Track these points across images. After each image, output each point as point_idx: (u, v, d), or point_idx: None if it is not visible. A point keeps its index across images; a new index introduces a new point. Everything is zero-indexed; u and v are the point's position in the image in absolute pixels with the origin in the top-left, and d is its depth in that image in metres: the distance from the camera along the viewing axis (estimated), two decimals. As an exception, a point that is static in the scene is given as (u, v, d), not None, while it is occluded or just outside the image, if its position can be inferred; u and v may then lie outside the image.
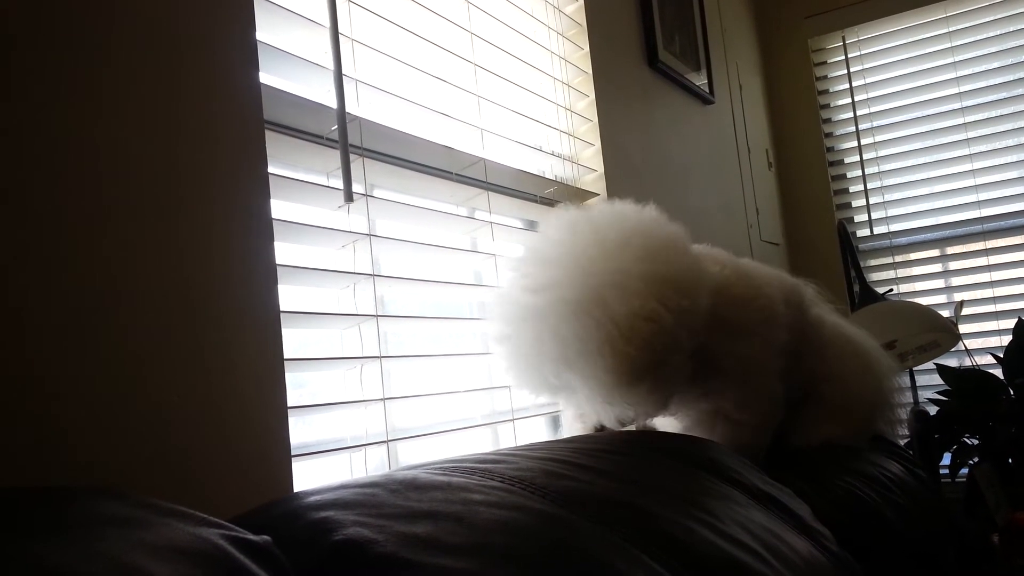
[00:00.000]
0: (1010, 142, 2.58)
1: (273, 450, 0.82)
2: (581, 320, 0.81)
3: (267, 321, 0.84)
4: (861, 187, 2.77)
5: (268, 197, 0.87)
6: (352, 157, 1.03)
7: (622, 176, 1.71)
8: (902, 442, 1.36)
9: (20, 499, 0.36)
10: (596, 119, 1.66)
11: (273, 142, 0.91)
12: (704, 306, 0.87)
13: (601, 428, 0.94)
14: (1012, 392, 2.06)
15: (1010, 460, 2.04)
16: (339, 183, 1.01)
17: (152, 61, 0.77)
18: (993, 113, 2.62)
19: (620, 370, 0.79)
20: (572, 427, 1.01)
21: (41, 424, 0.63)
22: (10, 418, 0.61)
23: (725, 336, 0.95)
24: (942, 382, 2.16)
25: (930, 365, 2.20)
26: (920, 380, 2.50)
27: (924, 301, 2.59)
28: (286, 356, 0.86)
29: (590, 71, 1.66)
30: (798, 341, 1.10)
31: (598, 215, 0.92)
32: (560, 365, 0.84)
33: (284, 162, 1.00)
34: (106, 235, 0.70)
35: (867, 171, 2.76)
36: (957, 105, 2.64)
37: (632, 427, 1.04)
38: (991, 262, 2.59)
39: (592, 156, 1.66)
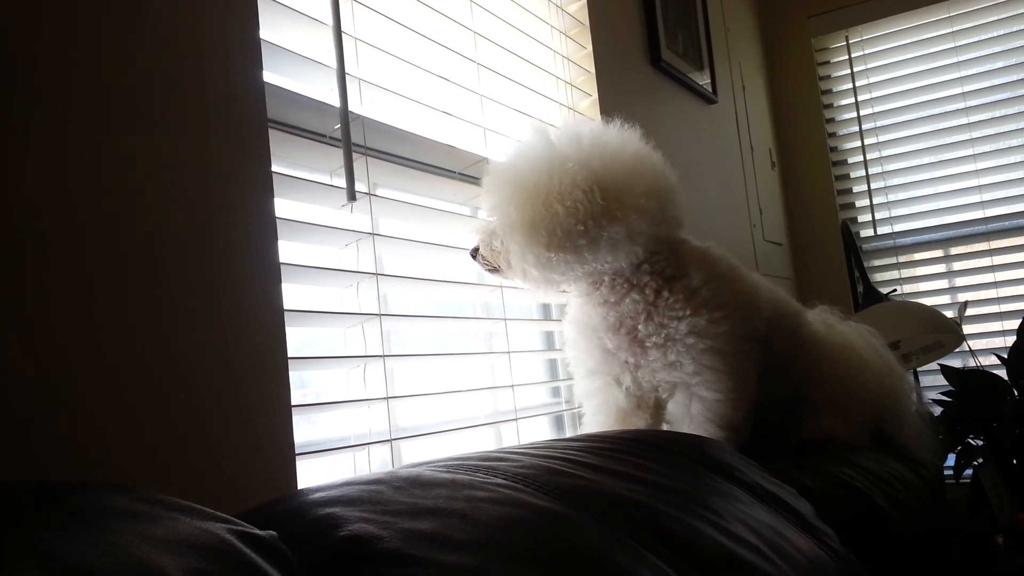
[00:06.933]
0: (1014, 142, 2.58)
1: (277, 448, 0.83)
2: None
3: (271, 319, 0.84)
4: (865, 187, 2.77)
5: (271, 196, 0.87)
6: (355, 156, 1.04)
7: (625, 176, 1.70)
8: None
9: (30, 492, 0.36)
10: (599, 118, 1.65)
11: (276, 141, 0.91)
12: (654, 212, 0.99)
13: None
14: (1016, 393, 2.06)
15: (1014, 461, 2.03)
16: (342, 182, 1.02)
17: (157, 60, 0.77)
18: (997, 113, 2.61)
19: (551, 228, 0.94)
20: (594, 420, 1.12)
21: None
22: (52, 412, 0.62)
23: (698, 306, 1.01)
24: (946, 383, 2.16)
25: (934, 366, 2.20)
26: (924, 381, 2.50)
27: (928, 301, 2.58)
28: (289, 355, 0.86)
29: (593, 70, 1.66)
30: (791, 343, 1.17)
31: (612, 139, 1.08)
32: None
33: (287, 161, 1.01)
34: (118, 234, 0.71)
35: (871, 171, 2.76)
36: (961, 105, 2.64)
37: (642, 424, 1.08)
38: (995, 262, 2.59)
39: (595, 155, 1.65)
